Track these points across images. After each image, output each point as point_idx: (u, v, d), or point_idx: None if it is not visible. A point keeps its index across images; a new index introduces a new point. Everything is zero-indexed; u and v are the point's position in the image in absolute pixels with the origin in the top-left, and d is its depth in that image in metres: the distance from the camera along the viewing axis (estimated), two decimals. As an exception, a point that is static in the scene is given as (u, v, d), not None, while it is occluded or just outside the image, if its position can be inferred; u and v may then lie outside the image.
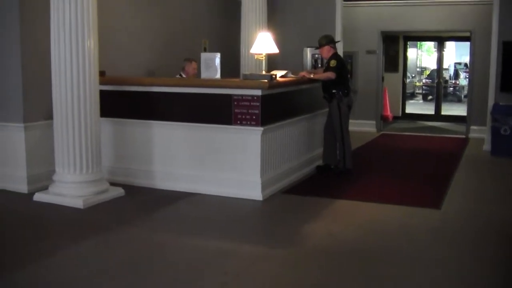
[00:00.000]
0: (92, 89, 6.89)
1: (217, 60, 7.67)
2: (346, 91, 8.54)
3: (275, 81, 7.42)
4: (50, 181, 7.14)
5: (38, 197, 7.05)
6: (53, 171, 7.12)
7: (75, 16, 6.64)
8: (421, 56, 26.89)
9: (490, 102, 11.22)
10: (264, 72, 8.06)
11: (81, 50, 6.72)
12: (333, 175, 8.61)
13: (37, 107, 7.47)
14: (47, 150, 7.38)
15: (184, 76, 9.30)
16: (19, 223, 6.36)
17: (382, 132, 13.98)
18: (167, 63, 10.05)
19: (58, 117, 6.88)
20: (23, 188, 7.40)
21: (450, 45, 23.87)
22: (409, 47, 18.39)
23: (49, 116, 7.23)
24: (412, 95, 23.50)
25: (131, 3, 9.37)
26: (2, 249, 5.46)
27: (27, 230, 6.09)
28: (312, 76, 8.55)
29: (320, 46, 8.67)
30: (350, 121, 8.96)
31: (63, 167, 6.95)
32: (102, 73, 7.50)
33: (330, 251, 5.48)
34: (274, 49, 8.29)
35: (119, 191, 7.31)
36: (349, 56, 13.56)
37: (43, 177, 7.44)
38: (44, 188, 7.20)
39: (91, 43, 6.81)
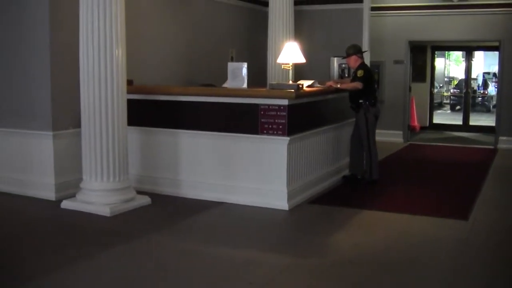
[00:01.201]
0: (120, 97, 6.94)
1: (244, 70, 7.68)
2: (373, 101, 8.50)
3: (301, 90, 7.41)
4: (77, 189, 7.19)
5: (66, 204, 7.11)
6: (80, 179, 7.17)
7: (104, 25, 6.70)
8: (449, 66, 26.70)
9: (520, 113, 11.09)
10: (291, 82, 8.06)
11: (109, 59, 6.78)
12: (360, 185, 8.57)
13: (65, 115, 7.54)
14: (75, 158, 7.44)
15: None
16: (46, 230, 6.42)
17: (409, 143, 13.88)
18: (194, 73, 10.09)
19: (86, 125, 6.94)
20: (51, 195, 7.47)
21: (478, 55, 23.69)
22: (437, 57, 18.27)
23: (77, 124, 7.29)
24: (440, 105, 23.31)
25: (159, 12, 9.43)
26: (30, 256, 5.50)
27: (55, 237, 6.14)
28: (339, 86, 8.53)
29: (347, 55, 8.65)
30: (377, 131, 8.91)
31: (90, 175, 7.00)
32: (129, 82, 7.55)
33: (356, 261, 5.44)
34: (301, 59, 8.28)
35: (145, 200, 7.34)
36: (376, 66, 13.49)
37: (70, 184, 7.50)
38: (72, 196, 7.26)
39: (119, 52, 6.86)
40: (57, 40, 7.39)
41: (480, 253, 5.81)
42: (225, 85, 7.99)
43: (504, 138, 12.91)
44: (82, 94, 6.93)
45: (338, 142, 8.92)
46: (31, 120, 7.57)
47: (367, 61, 9.92)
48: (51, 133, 7.42)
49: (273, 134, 7.21)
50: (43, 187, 7.53)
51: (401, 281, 4.99)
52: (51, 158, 7.46)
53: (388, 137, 13.43)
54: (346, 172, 8.99)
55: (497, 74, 16.84)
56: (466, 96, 17.52)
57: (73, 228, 6.46)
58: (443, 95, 24.52)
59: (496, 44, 13.68)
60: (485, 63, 25.69)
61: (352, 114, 8.76)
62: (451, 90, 24.77)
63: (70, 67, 7.34)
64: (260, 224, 6.73)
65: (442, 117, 20.46)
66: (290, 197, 7.30)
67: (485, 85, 24.07)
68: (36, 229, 6.43)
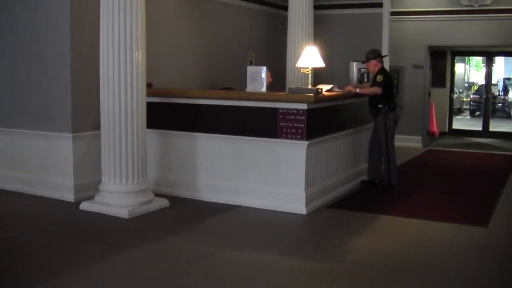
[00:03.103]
0: (139, 100, 6.97)
1: (263, 74, 7.69)
2: (392, 106, 8.47)
3: (321, 95, 7.41)
4: (96, 191, 7.23)
5: (84, 206, 7.15)
6: (99, 181, 7.21)
7: (124, 27, 6.75)
8: (469, 71, 26.52)
9: (540, 119, 11.00)
10: (310, 86, 8.04)
11: (129, 62, 6.81)
12: (378, 191, 8.54)
13: (85, 117, 7.59)
14: (94, 160, 7.48)
15: None
16: (65, 231, 6.45)
17: (428, 148, 13.81)
18: (214, 76, 10.12)
19: (106, 127, 6.98)
20: (70, 197, 7.52)
21: (499, 60, 23.51)
22: (457, 62, 18.16)
23: (96, 126, 7.33)
24: (459, 111, 23.16)
25: (179, 15, 9.47)
26: (48, 256, 5.54)
27: (73, 238, 6.17)
28: (358, 90, 8.50)
29: (367, 60, 8.63)
30: (396, 136, 8.87)
31: (109, 177, 7.04)
32: (149, 85, 7.58)
33: (374, 267, 5.42)
34: (321, 63, 8.27)
35: (163, 202, 7.37)
36: (396, 70, 13.44)
37: (89, 186, 7.55)
38: (91, 197, 7.30)
39: (139, 55, 6.89)
40: (78, 42, 7.44)
41: (499, 260, 5.76)
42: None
43: (524, 144, 12.80)
44: (102, 97, 6.97)
45: (357, 147, 8.89)
46: (51, 122, 7.63)
47: (386, 66, 9.87)
48: (70, 135, 7.47)
49: (291, 138, 7.20)
50: (62, 188, 7.58)
51: (418, 287, 4.96)
52: (71, 159, 7.51)
53: (407, 143, 13.37)
54: (365, 177, 8.96)
55: (517, 80, 16.73)
56: (486, 102, 17.39)
57: (91, 229, 6.50)
58: (463, 100, 24.36)
59: (516, 49, 13.59)
60: (505, 68, 25.49)
61: (371, 119, 8.73)
62: (471, 96, 24.60)
63: (90, 70, 7.39)
64: (277, 228, 6.73)
65: (462, 122, 20.32)
66: (308, 201, 7.29)
67: (505, 90, 23.87)
68: (54, 230, 6.47)
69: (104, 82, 6.91)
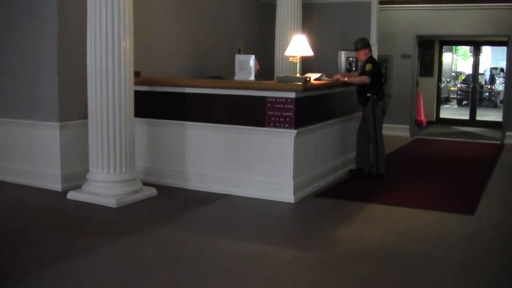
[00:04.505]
0: (127, 89, 6.93)
1: (252, 62, 7.67)
2: (380, 95, 8.47)
3: (309, 84, 7.39)
4: (83, 180, 7.20)
5: (72, 195, 7.11)
6: (87, 170, 7.18)
7: (111, 16, 6.70)
8: (457, 61, 26.60)
9: (527, 108, 11.07)
10: (298, 75, 8.04)
11: (117, 51, 6.77)
12: (366, 179, 8.55)
13: (72, 106, 7.54)
14: (81, 149, 7.43)
15: None
16: (52, 221, 6.42)
17: (416, 137, 13.85)
18: (202, 64, 10.08)
19: (93, 116, 6.94)
20: (57, 186, 7.48)
21: (486, 50, 23.59)
22: (445, 52, 18.21)
23: (84, 115, 7.29)
24: (447, 100, 23.26)
25: (167, 4, 9.41)
26: (36, 247, 5.51)
27: (60, 228, 6.14)
28: (346, 79, 8.50)
29: (356, 49, 8.60)
30: (384, 125, 8.87)
31: (97, 166, 7.00)
32: (137, 74, 7.54)
33: (363, 255, 5.43)
34: (309, 52, 8.27)
35: (152, 191, 7.35)
36: (384, 60, 13.45)
37: (77, 176, 7.51)
38: (78, 187, 7.26)
39: (127, 44, 6.85)
40: (65, 31, 7.38)
41: (487, 247, 5.80)
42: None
43: (511, 133, 12.86)
44: (89, 85, 6.93)
45: (345, 135, 8.90)
46: (38, 111, 7.57)
47: (374, 55, 9.88)
48: (57, 124, 7.42)
49: (280, 127, 7.19)
50: (50, 178, 7.53)
51: (408, 275, 4.98)
52: (58, 149, 7.46)
53: (395, 132, 13.41)
54: (353, 166, 8.97)
55: (504, 70, 16.79)
56: (473, 91, 17.49)
57: (79, 219, 6.47)
58: (450, 89, 24.45)
59: (504, 39, 13.62)
60: (492, 58, 25.59)
61: (359, 108, 8.73)
62: (458, 85, 24.69)
63: (77, 58, 7.33)
64: (266, 217, 6.73)
65: (449, 111, 20.42)
66: (296, 190, 7.29)
67: (492, 80, 23.98)
68: (42, 219, 6.43)
69: (92, 70, 6.86)
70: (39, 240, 5.71)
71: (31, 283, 4.65)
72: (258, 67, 8.83)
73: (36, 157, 7.67)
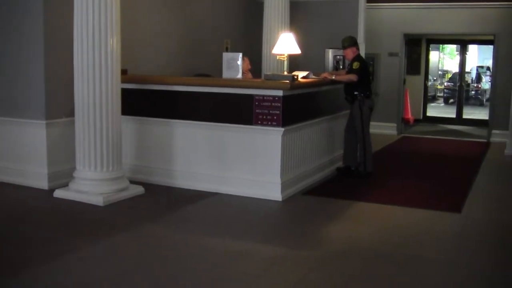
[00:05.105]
0: (114, 87, 6.91)
1: (239, 60, 7.66)
2: (368, 93, 8.49)
3: (296, 82, 7.39)
4: (70, 178, 7.17)
5: (58, 193, 7.08)
6: (73, 168, 7.14)
7: (98, 14, 6.67)
8: (443, 59, 26.72)
9: (513, 107, 11.14)
10: (285, 73, 8.04)
11: (104, 49, 6.74)
12: (354, 177, 8.57)
13: (59, 104, 7.49)
14: (68, 147, 7.40)
15: None
16: (39, 219, 6.38)
17: (402, 135, 13.90)
18: (189, 62, 10.06)
19: (80, 114, 6.91)
20: (43, 184, 7.44)
21: (472, 48, 23.71)
22: (431, 50, 18.28)
23: (70, 113, 7.26)
24: (434, 98, 23.37)
25: (155, 2, 9.38)
26: (22, 246, 5.48)
27: (47, 226, 6.11)
28: (334, 77, 8.51)
29: (344, 47, 8.62)
30: (371, 123, 8.90)
31: (83, 164, 6.98)
32: (124, 72, 7.52)
33: (351, 253, 5.44)
34: (296, 50, 8.27)
35: (139, 189, 7.33)
36: (371, 58, 13.48)
37: (63, 174, 7.48)
38: (65, 185, 7.23)
39: (114, 41, 6.82)
40: (51, 28, 7.33)
41: (473, 244, 5.83)
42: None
43: (497, 131, 12.93)
44: (76, 83, 6.90)
45: (333, 133, 8.91)
46: (24, 109, 7.53)
47: (362, 53, 9.89)
48: (44, 122, 7.37)
49: (267, 125, 7.19)
50: (36, 176, 7.49)
51: (395, 273, 4.99)
52: (44, 147, 7.42)
53: (382, 130, 13.45)
54: (340, 164, 8.99)
55: (490, 68, 16.87)
56: (459, 90, 17.58)
57: (66, 217, 6.44)
58: (437, 88, 24.55)
59: (490, 37, 13.70)
60: (479, 57, 25.73)
61: (347, 106, 8.75)
62: (445, 83, 24.81)
63: (64, 56, 7.30)
64: (254, 215, 6.73)
65: (436, 110, 20.51)
66: (283, 188, 7.29)
67: (478, 78, 24.11)
68: (28, 218, 6.40)
69: (78, 68, 6.83)
70: (25, 239, 5.68)
71: (17, 283, 4.62)
72: (249, 66, 8.88)
73: (22, 155, 7.62)
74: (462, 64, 17.81)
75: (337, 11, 12.12)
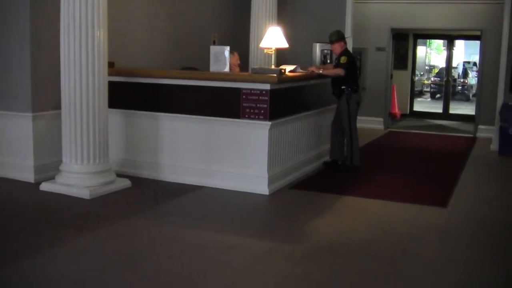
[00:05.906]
0: (101, 80, 6.88)
1: (226, 54, 7.65)
2: (355, 87, 8.51)
3: (284, 75, 7.39)
4: (57, 171, 7.14)
5: (45, 186, 7.05)
6: (60, 161, 7.12)
7: (85, 6, 6.63)
8: (430, 54, 26.79)
9: (499, 102, 11.20)
10: (273, 67, 8.04)
11: (91, 41, 6.71)
12: (340, 172, 8.59)
13: (45, 96, 7.46)
14: (54, 140, 7.37)
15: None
16: (25, 212, 6.36)
17: (389, 130, 13.94)
18: (177, 56, 10.03)
19: (66, 107, 6.88)
20: (30, 177, 7.41)
21: (459, 44, 23.79)
22: (419, 45, 18.33)
23: (57, 106, 7.22)
24: (421, 93, 23.44)
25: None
26: (8, 238, 5.46)
27: (33, 219, 6.09)
28: (321, 71, 8.52)
29: (331, 42, 8.62)
30: (358, 117, 8.92)
31: (70, 157, 6.95)
32: (111, 64, 7.49)
33: (336, 247, 5.46)
34: (284, 44, 8.26)
35: (125, 183, 7.31)
36: (359, 52, 13.50)
37: (50, 167, 7.44)
38: (51, 178, 7.20)
39: (101, 34, 6.79)
40: (38, 21, 7.29)
41: (459, 239, 5.87)
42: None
43: (483, 127, 12.99)
44: (62, 76, 6.86)
45: (320, 128, 8.92)
46: (10, 101, 7.48)
47: (349, 47, 9.91)
48: (30, 114, 7.33)
49: (254, 118, 7.19)
50: (22, 169, 7.46)
51: (381, 267, 5.01)
52: (30, 139, 7.38)
53: (369, 124, 13.49)
54: (327, 158, 9.01)
55: (477, 64, 16.95)
56: (446, 85, 17.66)
57: (52, 210, 6.41)
58: (424, 83, 24.63)
59: (477, 33, 13.76)
60: (465, 52, 25.83)
61: (334, 100, 8.76)
62: (432, 78, 24.90)
63: (50, 48, 7.26)
64: (241, 209, 6.73)
65: (423, 105, 20.58)
66: (270, 182, 7.30)
67: (465, 74, 24.20)
68: (14, 211, 6.37)
69: (65, 60, 6.79)
70: (11, 232, 5.65)
71: (3, 275, 4.60)
72: (239, 61, 8.84)
73: (8, 147, 7.58)
74: (449, 59, 17.88)
75: (324, 5, 12.09)
